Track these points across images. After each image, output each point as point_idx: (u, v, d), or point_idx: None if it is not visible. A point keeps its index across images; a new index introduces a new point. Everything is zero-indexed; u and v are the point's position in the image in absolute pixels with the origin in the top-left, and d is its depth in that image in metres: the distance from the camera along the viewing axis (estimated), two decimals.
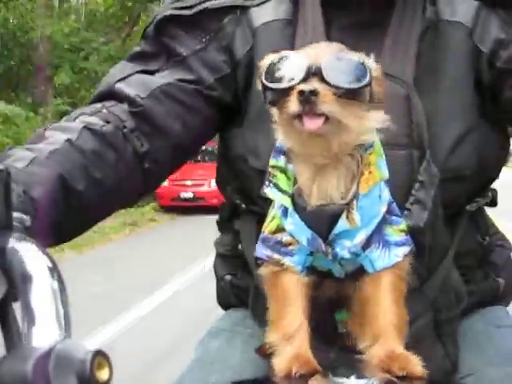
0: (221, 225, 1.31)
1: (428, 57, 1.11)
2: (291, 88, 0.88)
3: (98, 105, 1.13)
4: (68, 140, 1.03)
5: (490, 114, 1.14)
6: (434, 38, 1.12)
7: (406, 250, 0.96)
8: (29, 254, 0.62)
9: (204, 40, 1.17)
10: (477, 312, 1.22)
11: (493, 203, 1.23)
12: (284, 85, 0.89)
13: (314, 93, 0.86)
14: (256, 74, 1.14)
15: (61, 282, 0.61)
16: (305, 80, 0.87)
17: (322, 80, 0.87)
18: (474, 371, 1.11)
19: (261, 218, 1.12)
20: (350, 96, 0.88)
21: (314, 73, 0.88)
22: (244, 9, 1.17)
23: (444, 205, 1.08)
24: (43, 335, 0.57)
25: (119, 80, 1.15)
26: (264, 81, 0.92)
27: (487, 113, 1.14)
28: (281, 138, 0.95)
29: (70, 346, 0.54)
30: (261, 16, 1.16)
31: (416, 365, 0.92)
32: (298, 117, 0.87)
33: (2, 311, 0.61)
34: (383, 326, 0.94)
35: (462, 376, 1.11)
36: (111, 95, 1.14)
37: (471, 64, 1.12)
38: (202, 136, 1.21)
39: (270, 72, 0.91)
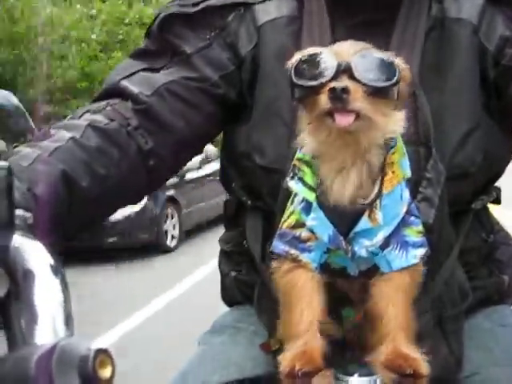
0: (226, 221, 1.31)
1: (434, 55, 1.11)
2: (321, 85, 0.89)
3: (103, 102, 1.14)
4: (72, 138, 1.04)
5: (495, 111, 1.14)
6: (440, 35, 1.12)
7: (422, 251, 0.96)
8: (31, 252, 0.62)
9: (208, 37, 1.17)
10: (482, 311, 1.21)
11: (497, 201, 1.23)
12: (314, 82, 0.90)
13: (345, 90, 0.87)
14: (261, 71, 1.14)
15: (63, 279, 0.61)
16: (335, 77, 0.88)
17: (352, 78, 0.88)
18: (480, 370, 1.11)
19: (267, 215, 1.13)
20: (379, 94, 0.89)
21: (344, 70, 0.88)
22: (248, 5, 1.16)
23: (449, 202, 1.07)
24: (45, 333, 0.57)
25: (124, 78, 1.15)
26: (293, 78, 0.92)
27: (492, 110, 1.14)
28: (307, 136, 0.95)
29: (73, 343, 0.55)
30: (265, 13, 1.16)
31: (421, 363, 0.92)
32: (329, 113, 0.88)
33: (4, 309, 0.61)
34: (392, 325, 0.94)
35: (468, 375, 1.11)
36: (116, 93, 1.15)
37: (477, 61, 1.12)
38: (207, 133, 1.21)
39: (299, 69, 0.92)
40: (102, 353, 0.54)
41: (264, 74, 1.14)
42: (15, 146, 1.02)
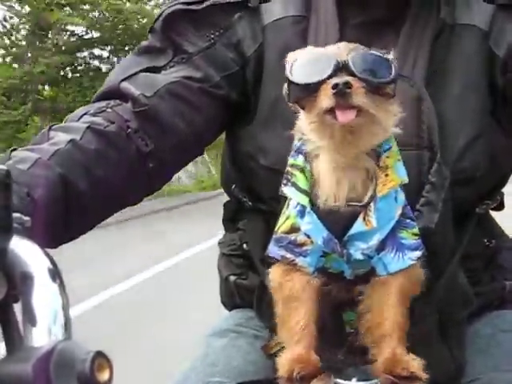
0: (225, 224, 1.31)
1: (441, 59, 1.10)
2: (320, 83, 0.88)
3: (102, 104, 1.12)
4: (71, 140, 1.03)
5: (501, 118, 1.13)
6: (449, 40, 1.11)
7: (418, 254, 0.95)
8: (29, 255, 0.62)
9: (213, 37, 1.16)
10: (484, 316, 1.21)
11: (500, 206, 1.22)
12: (313, 79, 0.89)
13: (347, 85, 0.86)
14: (265, 71, 1.14)
15: (61, 282, 0.61)
16: (334, 75, 0.88)
17: (351, 74, 0.88)
18: (481, 375, 1.10)
19: (268, 217, 1.12)
20: (378, 90, 0.89)
21: (342, 68, 0.88)
22: (254, 5, 1.15)
23: (453, 207, 1.07)
24: (44, 336, 0.57)
25: (124, 79, 1.14)
26: (290, 77, 0.91)
27: (499, 117, 1.13)
28: (300, 136, 0.95)
29: (71, 346, 0.54)
30: (271, 12, 1.15)
31: (417, 366, 0.92)
32: (330, 111, 0.88)
33: (2, 312, 0.61)
34: (388, 328, 0.94)
35: (469, 380, 1.11)
36: (116, 94, 1.13)
37: (486, 67, 1.11)
38: (208, 134, 1.20)
39: (296, 68, 0.91)
40: (100, 356, 0.54)
41: (268, 74, 1.13)
42: None
